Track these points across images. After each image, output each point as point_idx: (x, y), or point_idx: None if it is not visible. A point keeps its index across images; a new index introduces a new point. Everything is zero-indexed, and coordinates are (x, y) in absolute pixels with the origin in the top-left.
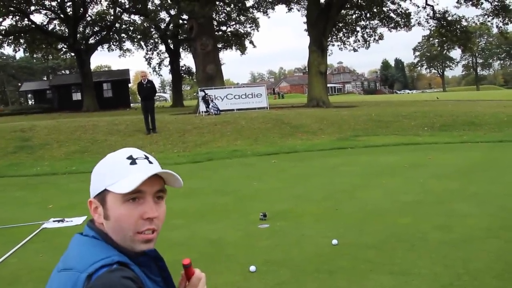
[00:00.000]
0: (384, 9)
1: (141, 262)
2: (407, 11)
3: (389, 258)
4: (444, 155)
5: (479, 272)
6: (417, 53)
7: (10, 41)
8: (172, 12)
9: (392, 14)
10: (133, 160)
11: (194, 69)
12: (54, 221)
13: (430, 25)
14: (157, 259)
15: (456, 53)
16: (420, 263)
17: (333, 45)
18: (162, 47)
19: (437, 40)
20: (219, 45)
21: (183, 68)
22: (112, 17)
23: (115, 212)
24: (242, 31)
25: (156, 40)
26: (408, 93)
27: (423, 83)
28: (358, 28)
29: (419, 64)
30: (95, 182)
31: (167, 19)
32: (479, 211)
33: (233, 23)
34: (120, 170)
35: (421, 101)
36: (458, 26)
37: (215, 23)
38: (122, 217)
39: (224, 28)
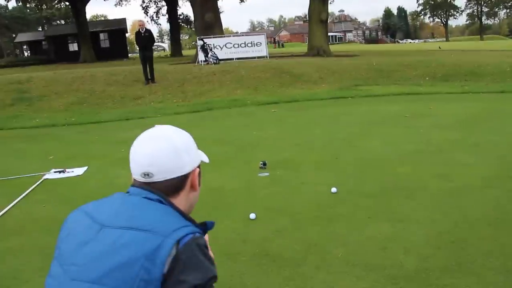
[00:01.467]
0: None
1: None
2: None
3: (388, 205)
4: (446, 105)
5: (475, 220)
6: (421, 1)
7: None
8: None
9: None
10: None
11: (192, 18)
12: (55, 171)
13: None
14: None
15: (460, 1)
16: (419, 211)
17: None
18: None
19: None
20: None
21: (181, 17)
22: None
23: (198, 182)
24: None
25: None
26: (410, 42)
27: (426, 32)
28: None
29: (423, 12)
30: (192, 154)
31: None
32: (479, 160)
33: None
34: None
35: (423, 51)
36: None
37: None
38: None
39: None
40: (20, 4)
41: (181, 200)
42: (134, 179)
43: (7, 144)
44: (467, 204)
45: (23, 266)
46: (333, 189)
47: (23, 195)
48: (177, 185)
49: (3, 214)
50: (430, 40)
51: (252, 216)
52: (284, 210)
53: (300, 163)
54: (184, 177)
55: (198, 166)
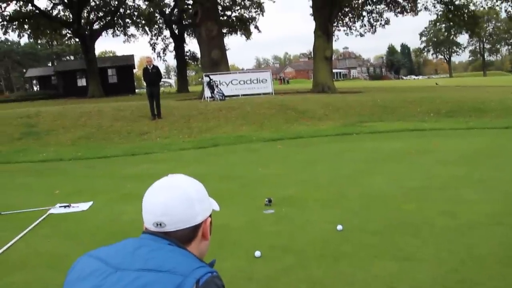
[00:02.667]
0: None
1: None
2: None
3: (393, 243)
4: (450, 141)
5: (483, 257)
6: (424, 38)
7: (14, 26)
8: None
9: None
10: None
11: (199, 55)
12: (60, 206)
13: (437, 10)
14: None
15: (463, 38)
16: (425, 249)
17: (339, 30)
18: (166, 33)
19: (444, 25)
20: (224, 30)
21: (188, 54)
22: (116, 2)
23: (210, 231)
24: (247, 16)
25: (161, 25)
26: (414, 78)
27: (429, 68)
28: (364, 13)
29: (426, 49)
30: (204, 203)
31: (172, 3)
32: (484, 197)
33: (238, 7)
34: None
35: (422, 87)
36: (466, 11)
37: (220, 8)
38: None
39: (229, 13)
40: (31, 40)
41: (192, 249)
42: (146, 228)
43: (14, 177)
44: (473, 241)
45: None
46: (339, 227)
47: (28, 229)
48: (189, 235)
49: (7, 248)
50: (434, 76)
51: (257, 254)
52: (289, 248)
53: (305, 200)
54: (196, 227)
55: (210, 215)
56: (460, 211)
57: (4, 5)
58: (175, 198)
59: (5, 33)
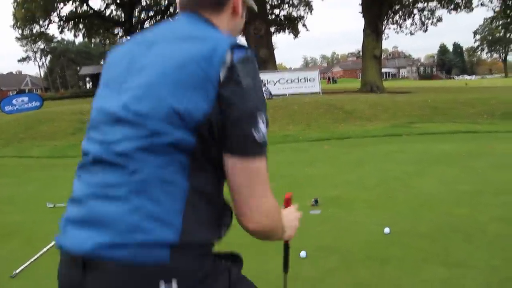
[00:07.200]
0: None
1: None
2: None
3: (443, 248)
4: (506, 144)
5: None
6: (478, 37)
7: (70, 26)
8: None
9: None
10: None
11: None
12: None
13: (494, 5)
14: None
15: None
16: (477, 255)
17: (389, 28)
18: None
19: (501, 22)
20: (272, 29)
21: None
22: (166, 1)
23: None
24: (295, 15)
25: None
26: (466, 79)
27: (483, 68)
28: (415, 11)
29: (480, 48)
30: None
31: None
32: None
33: (286, 6)
34: None
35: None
36: None
37: (268, 6)
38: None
39: (277, 11)
40: (86, 39)
41: (222, 20)
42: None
43: (67, 171)
44: None
45: None
46: (386, 229)
47: None
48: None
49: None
50: (488, 76)
51: (303, 254)
52: (335, 249)
53: (352, 201)
54: None
55: None
56: None
57: (61, 5)
58: None
59: (61, 32)
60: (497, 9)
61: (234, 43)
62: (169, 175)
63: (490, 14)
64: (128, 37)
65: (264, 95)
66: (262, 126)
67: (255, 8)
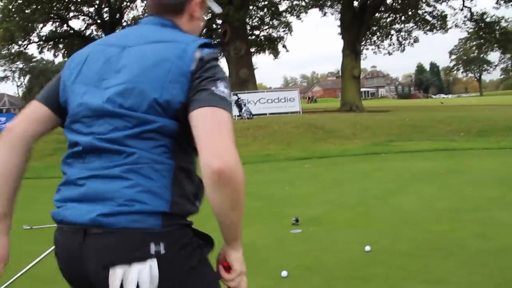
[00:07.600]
0: (420, 11)
1: None
2: (443, 13)
3: (424, 266)
4: (482, 161)
5: None
6: (453, 57)
7: (50, 46)
8: (206, 16)
9: (427, 17)
10: None
11: (227, 73)
12: None
13: (467, 27)
14: None
15: (494, 55)
16: (457, 272)
17: (367, 48)
18: None
19: (475, 43)
20: (252, 49)
21: None
22: None
23: (202, 15)
24: (275, 35)
25: None
26: (443, 97)
27: (459, 87)
28: (392, 32)
29: (455, 68)
30: None
31: None
32: None
33: (266, 27)
34: None
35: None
36: (497, 27)
37: (248, 27)
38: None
39: (257, 32)
40: (66, 59)
41: (183, 23)
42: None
43: (45, 192)
44: (508, 265)
45: None
46: (367, 248)
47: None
48: (178, 5)
49: (37, 262)
50: (463, 95)
51: (284, 273)
52: (316, 268)
53: (333, 220)
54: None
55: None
56: (494, 234)
57: (41, 25)
58: None
59: (40, 52)
60: (471, 30)
61: (203, 42)
62: (157, 156)
63: (464, 35)
64: None
65: (246, 115)
66: (223, 87)
67: (215, 9)
